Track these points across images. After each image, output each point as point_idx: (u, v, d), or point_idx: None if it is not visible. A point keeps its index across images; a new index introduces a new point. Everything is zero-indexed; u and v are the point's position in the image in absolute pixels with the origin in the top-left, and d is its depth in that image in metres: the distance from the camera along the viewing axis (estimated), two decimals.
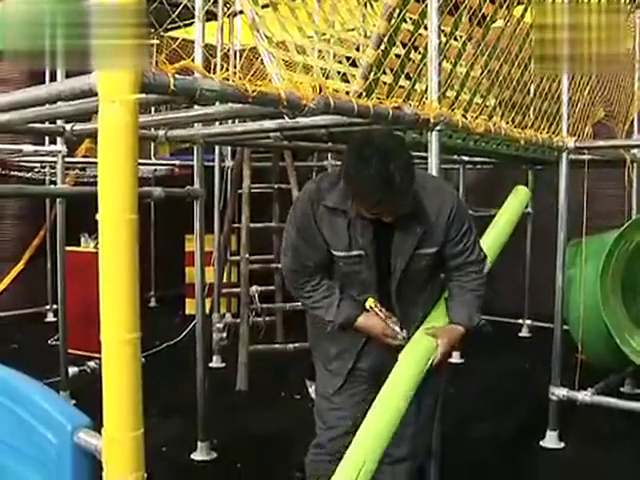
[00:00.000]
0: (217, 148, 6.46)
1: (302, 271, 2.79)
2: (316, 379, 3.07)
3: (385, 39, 3.05)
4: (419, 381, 2.62)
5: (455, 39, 3.47)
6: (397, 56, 3.22)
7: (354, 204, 2.59)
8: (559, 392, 4.46)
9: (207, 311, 5.73)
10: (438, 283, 2.96)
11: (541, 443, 4.49)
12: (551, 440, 4.48)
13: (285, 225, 2.85)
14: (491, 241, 3.39)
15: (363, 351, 2.86)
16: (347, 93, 2.89)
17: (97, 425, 1.75)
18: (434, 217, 2.69)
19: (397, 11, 3.10)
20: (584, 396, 4.45)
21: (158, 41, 6.13)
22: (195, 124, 4.20)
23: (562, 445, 4.47)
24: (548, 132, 4.23)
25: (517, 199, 3.87)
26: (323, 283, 2.78)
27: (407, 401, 2.52)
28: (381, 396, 2.53)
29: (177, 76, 1.96)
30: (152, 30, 5.96)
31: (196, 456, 4.32)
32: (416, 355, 2.69)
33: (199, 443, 4.34)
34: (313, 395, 5.29)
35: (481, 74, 3.65)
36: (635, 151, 4.88)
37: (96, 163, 1.70)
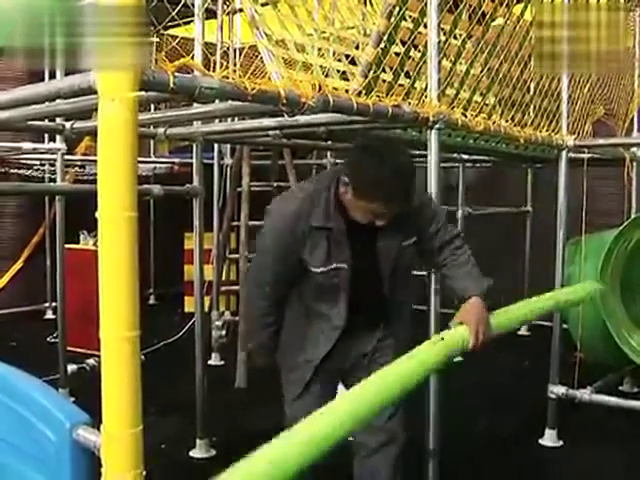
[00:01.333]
0: (216, 146, 6.46)
1: (263, 290, 2.87)
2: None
3: (385, 37, 3.05)
4: (435, 367, 2.51)
5: (455, 37, 3.47)
6: (397, 54, 3.22)
7: (354, 202, 2.59)
8: (558, 390, 4.46)
9: (206, 309, 5.73)
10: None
11: (540, 441, 4.49)
12: (550, 438, 4.48)
13: (258, 241, 2.92)
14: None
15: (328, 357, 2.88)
16: (346, 91, 2.89)
17: (96, 422, 1.75)
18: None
19: (397, 9, 3.10)
20: (583, 394, 4.46)
21: (157, 39, 6.13)
22: (194, 122, 4.20)
23: (561, 443, 4.47)
24: (548, 130, 4.23)
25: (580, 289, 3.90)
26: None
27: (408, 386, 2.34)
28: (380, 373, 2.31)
29: (177, 74, 1.96)
30: (151, 28, 5.97)
31: (195, 454, 4.32)
32: (439, 344, 2.56)
33: (198, 441, 4.34)
34: None
35: (481, 72, 3.65)
36: (635, 149, 4.88)
37: (95, 161, 1.70)
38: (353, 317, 2.80)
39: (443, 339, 2.57)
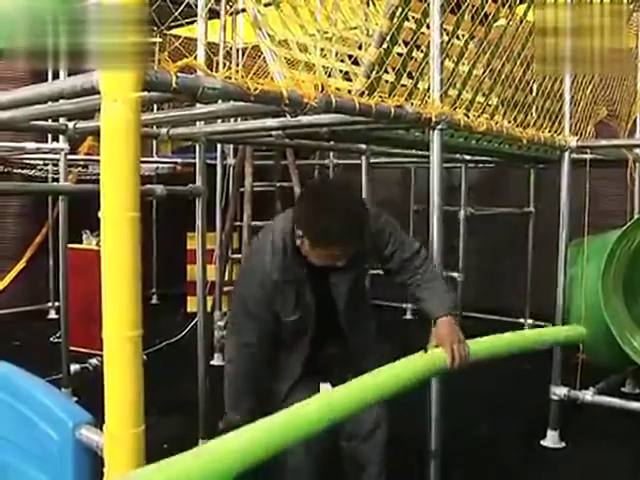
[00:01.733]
0: (219, 146, 6.46)
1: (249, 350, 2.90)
2: None
3: (387, 38, 3.06)
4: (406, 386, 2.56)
5: (457, 38, 3.47)
6: (399, 55, 3.22)
7: (311, 251, 2.65)
8: (560, 391, 4.46)
9: (209, 309, 5.73)
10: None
11: (542, 442, 4.49)
12: (552, 439, 4.48)
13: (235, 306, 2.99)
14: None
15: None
16: (349, 92, 2.90)
17: (99, 422, 1.76)
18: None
19: (399, 10, 3.10)
20: (585, 396, 4.45)
21: (160, 39, 6.13)
22: (197, 122, 4.20)
23: (563, 445, 4.47)
24: (550, 131, 4.23)
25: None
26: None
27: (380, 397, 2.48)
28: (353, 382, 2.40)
29: (179, 74, 1.96)
30: (154, 28, 5.97)
31: None
32: (416, 363, 2.67)
33: (200, 440, 4.33)
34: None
35: (483, 73, 3.65)
36: (637, 150, 4.88)
37: (99, 160, 1.71)
38: (316, 347, 2.95)
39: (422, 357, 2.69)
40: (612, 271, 4.61)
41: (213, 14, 5.11)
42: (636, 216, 5.16)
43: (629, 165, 4.83)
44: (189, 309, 8.29)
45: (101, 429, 1.73)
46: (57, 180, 5.98)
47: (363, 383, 2.39)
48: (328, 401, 2.27)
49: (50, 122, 4.53)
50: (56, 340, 6.17)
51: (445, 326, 2.81)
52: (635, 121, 5.44)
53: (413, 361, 2.65)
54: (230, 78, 2.17)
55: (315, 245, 2.61)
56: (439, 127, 3.14)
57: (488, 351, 3.10)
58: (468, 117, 3.38)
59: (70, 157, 5.59)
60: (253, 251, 3.00)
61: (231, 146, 6.84)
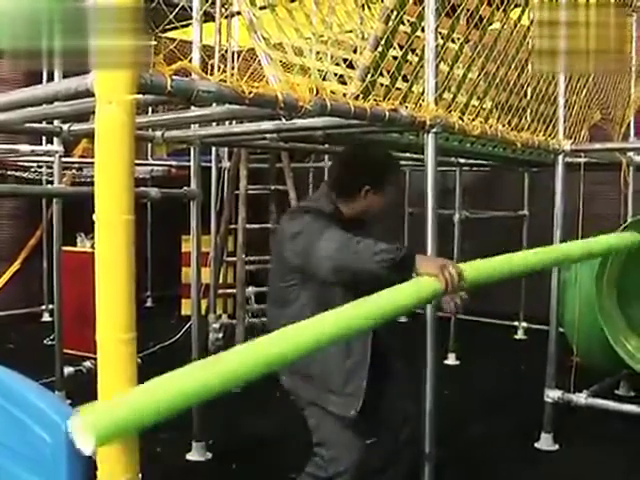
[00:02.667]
0: (214, 149, 6.46)
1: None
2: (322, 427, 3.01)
3: (382, 41, 3.06)
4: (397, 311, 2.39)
5: (452, 41, 3.48)
6: (394, 58, 3.23)
7: (379, 198, 2.98)
8: (554, 394, 4.47)
9: (203, 312, 5.73)
10: None
11: (536, 445, 4.49)
12: (546, 442, 4.49)
13: (304, 236, 2.79)
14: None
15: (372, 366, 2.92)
16: (344, 95, 2.90)
17: None
18: None
19: (394, 13, 3.11)
20: (579, 398, 4.46)
21: (155, 42, 6.13)
22: (192, 125, 4.20)
23: (557, 447, 4.47)
24: (544, 135, 4.24)
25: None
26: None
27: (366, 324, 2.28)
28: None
29: (174, 77, 1.96)
30: (150, 30, 5.96)
31: (191, 457, 4.32)
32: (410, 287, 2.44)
33: (194, 444, 4.34)
34: None
35: (478, 76, 3.65)
36: (631, 154, 4.89)
37: (93, 163, 1.71)
38: None
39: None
40: (606, 275, 4.63)
41: (208, 17, 5.11)
42: (629, 219, 5.18)
43: (623, 169, 4.84)
44: (183, 312, 8.29)
45: None
46: (51, 182, 5.98)
47: (354, 308, 2.24)
48: (320, 323, 2.13)
49: (44, 124, 4.52)
50: (50, 343, 6.16)
51: (424, 259, 2.60)
52: (629, 125, 5.45)
53: (401, 289, 2.41)
54: (225, 81, 2.17)
55: (380, 187, 2.96)
56: (433, 130, 3.14)
57: (489, 276, 2.93)
58: (462, 120, 3.38)
59: (64, 159, 5.59)
60: (311, 218, 2.87)
61: (226, 149, 6.84)
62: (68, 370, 5.31)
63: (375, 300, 2.27)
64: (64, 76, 4.26)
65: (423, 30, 3.18)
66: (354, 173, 3.00)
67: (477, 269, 2.76)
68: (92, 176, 1.71)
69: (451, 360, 6.58)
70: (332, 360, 2.88)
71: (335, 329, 2.13)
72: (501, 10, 3.63)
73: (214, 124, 4.34)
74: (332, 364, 2.89)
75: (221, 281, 7.03)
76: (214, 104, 2.81)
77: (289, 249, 2.84)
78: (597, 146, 4.53)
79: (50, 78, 5.18)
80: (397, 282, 2.41)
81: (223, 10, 5.45)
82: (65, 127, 4.32)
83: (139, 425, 1.66)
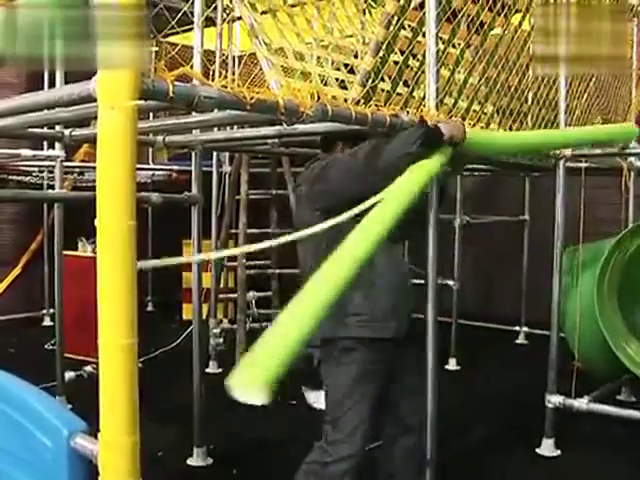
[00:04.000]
0: (215, 154, 6.47)
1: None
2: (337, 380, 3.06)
3: (383, 46, 3.07)
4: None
5: (453, 46, 3.48)
6: (395, 63, 3.23)
7: None
8: (555, 399, 4.46)
9: (204, 316, 5.73)
10: None
11: (537, 450, 4.48)
12: (547, 448, 4.48)
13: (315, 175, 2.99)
14: None
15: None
16: (345, 100, 2.90)
17: (93, 430, 1.75)
18: None
19: (395, 18, 3.11)
20: (580, 404, 4.45)
21: (157, 47, 6.14)
22: (193, 130, 4.21)
23: (558, 452, 4.46)
24: None
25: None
26: None
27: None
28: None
29: (176, 83, 1.97)
30: (151, 36, 5.98)
31: (192, 462, 4.31)
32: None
33: (195, 449, 4.33)
34: (309, 400, 5.31)
35: (479, 81, 3.66)
36: (632, 159, 4.89)
37: (94, 167, 1.71)
38: None
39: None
40: (607, 279, 4.63)
41: (209, 22, 5.12)
42: (630, 224, 5.18)
43: (624, 173, 4.84)
44: (184, 317, 8.29)
45: (96, 437, 1.73)
46: (53, 187, 5.98)
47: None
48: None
49: (46, 129, 4.53)
50: (51, 347, 6.16)
51: (444, 125, 2.76)
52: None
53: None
54: (226, 87, 2.17)
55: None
56: None
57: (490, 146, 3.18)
58: (464, 125, 3.38)
59: (66, 164, 5.59)
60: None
61: (227, 154, 6.85)
62: (69, 375, 5.30)
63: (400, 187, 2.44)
64: (66, 81, 4.27)
65: (424, 35, 3.19)
66: (331, 135, 3.15)
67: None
68: (94, 180, 1.72)
69: (452, 365, 6.57)
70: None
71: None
72: (502, 15, 3.63)
73: (215, 129, 4.34)
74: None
75: (222, 286, 7.04)
76: (216, 109, 2.81)
77: (307, 197, 3.01)
78: (598, 151, 4.52)
79: (52, 83, 5.18)
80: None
81: (224, 15, 5.46)
82: (67, 132, 4.32)
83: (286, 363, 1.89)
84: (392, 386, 3.08)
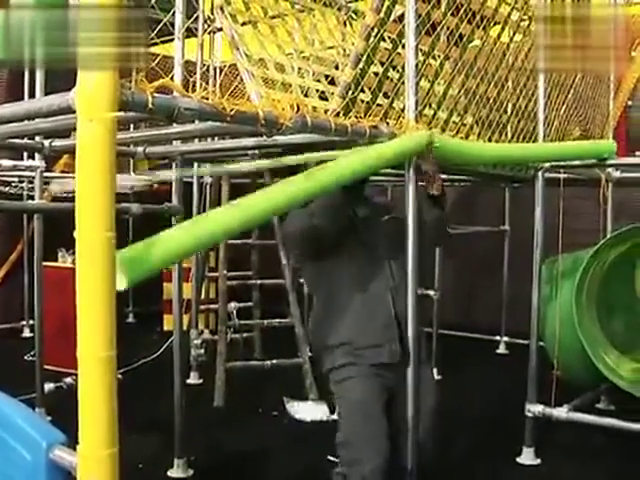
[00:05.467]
0: (196, 164, 6.46)
1: None
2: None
3: (363, 58, 3.09)
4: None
5: (433, 58, 3.51)
6: (375, 74, 3.25)
7: None
8: (535, 409, 4.48)
9: (185, 327, 5.71)
10: None
11: (517, 459, 4.50)
12: (527, 456, 4.50)
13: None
14: None
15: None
16: (325, 112, 2.92)
17: (73, 442, 1.75)
18: None
19: (375, 30, 3.14)
20: (560, 413, 4.48)
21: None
22: (174, 141, 4.21)
23: (538, 461, 4.48)
24: None
25: None
26: None
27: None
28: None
29: (156, 94, 1.97)
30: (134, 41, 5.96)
31: (173, 473, 4.29)
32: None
33: (176, 460, 4.31)
34: (291, 412, 5.31)
35: (458, 93, 3.68)
36: (610, 170, 4.94)
37: (74, 178, 1.71)
38: None
39: None
40: (585, 289, 4.67)
41: (190, 33, 5.13)
42: (609, 235, 5.22)
43: (602, 184, 4.89)
44: (165, 327, 8.26)
45: (75, 449, 1.72)
46: (32, 197, 5.95)
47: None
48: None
49: (26, 140, 4.51)
50: (30, 358, 6.13)
51: None
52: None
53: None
54: (207, 99, 2.18)
55: None
56: None
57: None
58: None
59: (46, 175, 5.57)
60: None
61: (208, 164, 6.84)
62: (49, 386, 5.28)
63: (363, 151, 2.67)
64: (46, 93, 4.26)
65: (404, 47, 3.21)
66: None
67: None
68: (74, 191, 1.71)
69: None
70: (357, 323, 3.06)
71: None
72: (481, 28, 3.67)
73: (196, 140, 4.35)
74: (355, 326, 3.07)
75: (203, 296, 7.03)
76: (196, 121, 2.82)
77: None
78: (576, 162, 4.57)
79: (32, 94, 5.17)
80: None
81: (205, 26, 5.48)
82: (47, 143, 4.31)
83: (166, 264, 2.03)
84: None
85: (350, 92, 3.05)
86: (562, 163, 4.50)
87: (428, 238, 3.25)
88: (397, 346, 3.05)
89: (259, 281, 6.74)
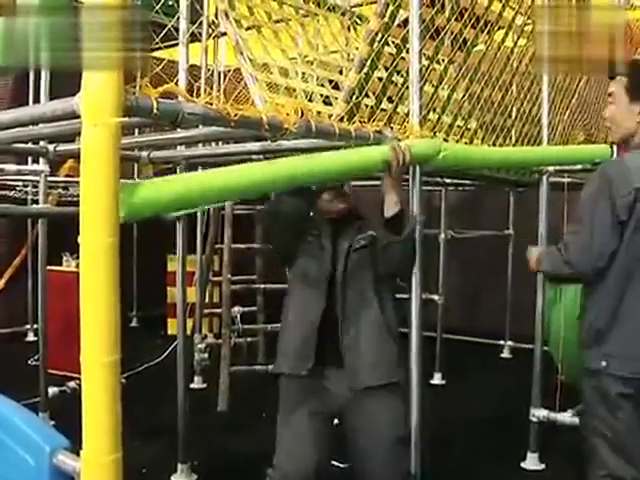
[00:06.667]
0: (200, 169, 6.46)
1: None
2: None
3: (367, 62, 3.09)
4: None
5: (437, 62, 3.51)
6: (379, 79, 3.25)
7: None
8: (539, 413, 4.47)
9: (189, 331, 5.71)
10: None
11: (522, 464, 4.49)
12: (532, 462, 4.49)
13: None
14: None
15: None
16: (330, 116, 2.92)
17: (76, 446, 1.75)
18: None
19: (379, 35, 3.14)
20: (564, 417, 4.46)
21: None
22: (178, 146, 4.21)
23: (543, 466, 4.47)
24: None
25: None
26: None
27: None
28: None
29: (160, 100, 1.97)
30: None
31: (176, 478, 4.29)
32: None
33: (179, 465, 4.31)
34: None
35: (462, 97, 3.68)
36: None
37: (79, 182, 1.71)
38: None
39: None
40: None
41: (194, 37, 5.14)
42: None
43: None
44: (169, 332, 8.26)
45: (78, 454, 1.72)
46: (37, 201, 5.96)
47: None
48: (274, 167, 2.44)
49: (31, 145, 4.52)
50: (34, 363, 6.12)
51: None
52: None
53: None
54: (211, 104, 2.18)
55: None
56: None
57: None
58: (447, 141, 3.41)
59: (50, 179, 5.58)
60: None
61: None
62: (52, 390, 5.27)
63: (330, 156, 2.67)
64: (51, 98, 4.26)
65: (408, 52, 3.21)
66: None
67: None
68: (78, 195, 1.71)
69: (437, 379, 6.58)
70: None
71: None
72: (485, 32, 3.67)
73: (200, 144, 4.35)
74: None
75: (207, 301, 7.03)
76: (200, 125, 2.82)
77: None
78: (580, 166, 4.56)
79: (37, 99, 5.18)
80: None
81: (209, 31, 5.48)
82: (51, 147, 4.31)
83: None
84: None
85: (354, 97, 3.05)
86: (566, 167, 4.50)
87: (383, 269, 3.00)
88: (306, 361, 2.96)
89: (263, 285, 6.75)
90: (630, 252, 2.67)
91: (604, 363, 2.70)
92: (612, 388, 2.70)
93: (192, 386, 6.10)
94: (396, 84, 3.37)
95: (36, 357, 5.58)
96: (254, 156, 4.05)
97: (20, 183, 7.51)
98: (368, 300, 2.99)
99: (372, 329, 2.98)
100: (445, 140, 3.40)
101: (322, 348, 2.94)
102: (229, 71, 6.30)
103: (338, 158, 2.67)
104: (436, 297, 6.83)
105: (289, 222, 3.01)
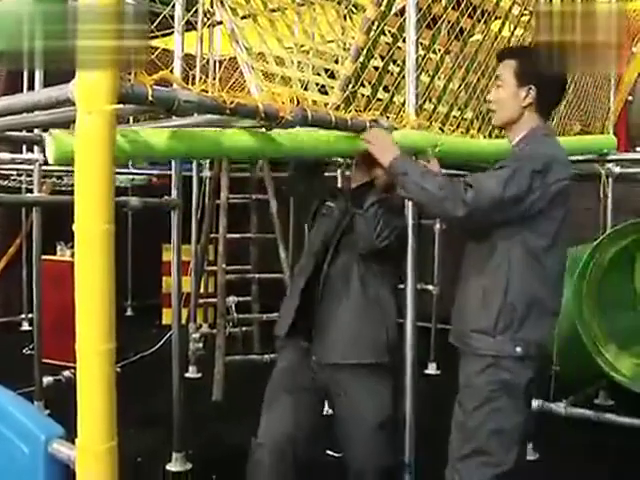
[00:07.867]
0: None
1: None
2: None
3: (364, 52, 3.08)
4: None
5: (434, 52, 3.50)
6: (375, 68, 3.24)
7: None
8: (533, 404, 4.47)
9: (184, 321, 5.72)
10: None
11: None
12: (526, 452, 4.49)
13: None
14: None
15: None
16: (325, 105, 2.91)
17: (71, 435, 1.74)
18: None
19: (376, 24, 3.13)
20: (558, 408, 4.48)
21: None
22: None
23: (537, 457, 4.48)
24: None
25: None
26: None
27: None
28: None
29: (155, 87, 1.96)
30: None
31: (171, 467, 4.29)
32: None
33: (174, 454, 4.31)
34: None
35: (459, 87, 3.67)
36: (610, 165, 4.93)
37: (73, 171, 1.70)
38: None
39: None
40: (585, 285, 4.66)
41: (189, 26, 5.12)
42: (608, 230, 5.22)
43: (602, 180, 4.88)
44: (164, 321, 8.26)
45: (74, 443, 1.72)
46: (31, 190, 5.94)
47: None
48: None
49: (25, 133, 4.50)
50: (29, 352, 6.13)
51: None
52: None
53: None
54: (206, 91, 2.17)
55: None
56: None
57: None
58: (443, 131, 3.40)
59: (44, 168, 5.56)
60: None
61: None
62: (47, 380, 5.27)
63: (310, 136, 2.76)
64: (45, 85, 4.24)
65: (404, 41, 3.20)
66: None
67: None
68: (72, 184, 1.70)
69: (432, 369, 6.59)
70: None
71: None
72: (482, 22, 3.65)
73: None
74: None
75: (202, 290, 7.03)
76: (195, 114, 2.81)
77: None
78: (576, 157, 4.56)
79: (31, 87, 5.15)
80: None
81: (205, 19, 5.46)
82: (45, 135, 4.29)
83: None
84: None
85: (350, 86, 3.04)
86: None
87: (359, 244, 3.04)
88: (284, 323, 3.11)
89: (258, 275, 6.74)
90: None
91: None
92: None
93: (187, 375, 6.10)
94: (392, 73, 3.36)
95: (31, 346, 5.59)
96: None
97: (14, 172, 7.49)
98: (350, 276, 3.03)
99: (350, 307, 3.01)
100: (441, 130, 3.40)
101: (308, 322, 3.04)
102: (224, 60, 6.29)
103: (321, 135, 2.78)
104: (431, 287, 6.83)
105: (305, 199, 3.33)
